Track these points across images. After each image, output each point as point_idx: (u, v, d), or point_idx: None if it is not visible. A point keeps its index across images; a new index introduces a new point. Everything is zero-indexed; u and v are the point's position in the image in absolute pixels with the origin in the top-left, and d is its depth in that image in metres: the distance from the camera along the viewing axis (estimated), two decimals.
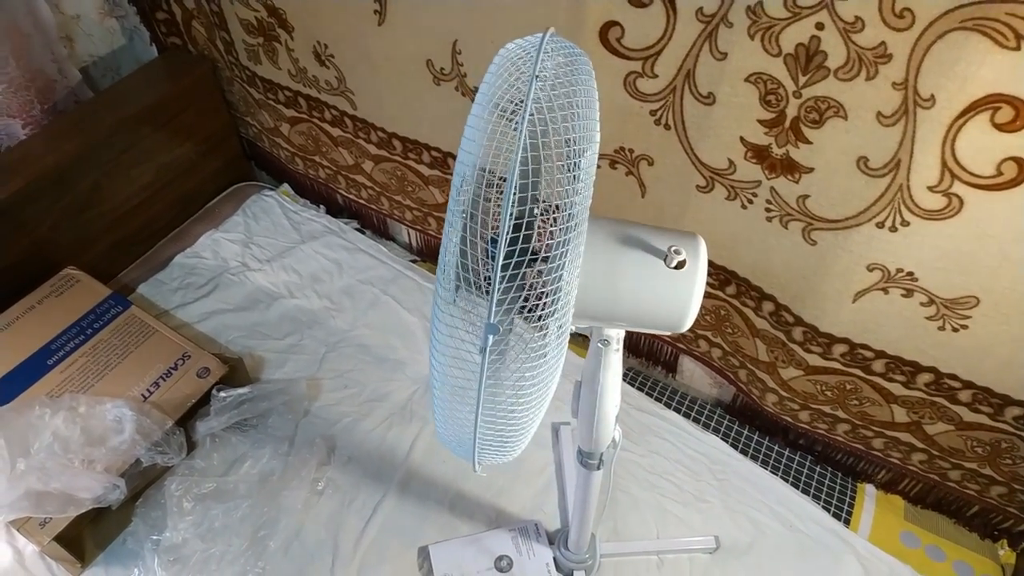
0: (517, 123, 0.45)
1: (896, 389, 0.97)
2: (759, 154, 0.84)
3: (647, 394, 1.21)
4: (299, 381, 1.15)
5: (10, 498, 0.88)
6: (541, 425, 1.13)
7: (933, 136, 0.70)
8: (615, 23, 0.82)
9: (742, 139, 0.84)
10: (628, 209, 1.02)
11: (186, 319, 1.25)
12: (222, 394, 1.05)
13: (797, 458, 1.16)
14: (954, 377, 0.90)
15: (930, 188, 0.74)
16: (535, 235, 0.53)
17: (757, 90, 0.78)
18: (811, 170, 0.81)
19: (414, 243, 1.45)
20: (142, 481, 1.00)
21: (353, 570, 0.97)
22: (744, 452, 1.14)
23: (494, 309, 0.44)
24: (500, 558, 0.98)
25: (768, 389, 1.10)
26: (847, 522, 1.06)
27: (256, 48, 1.26)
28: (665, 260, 0.53)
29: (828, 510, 1.07)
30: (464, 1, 0.93)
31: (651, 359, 1.27)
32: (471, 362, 0.46)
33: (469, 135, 0.48)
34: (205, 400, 1.06)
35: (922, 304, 0.85)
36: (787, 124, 0.79)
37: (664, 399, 1.22)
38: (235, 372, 1.12)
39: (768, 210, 0.89)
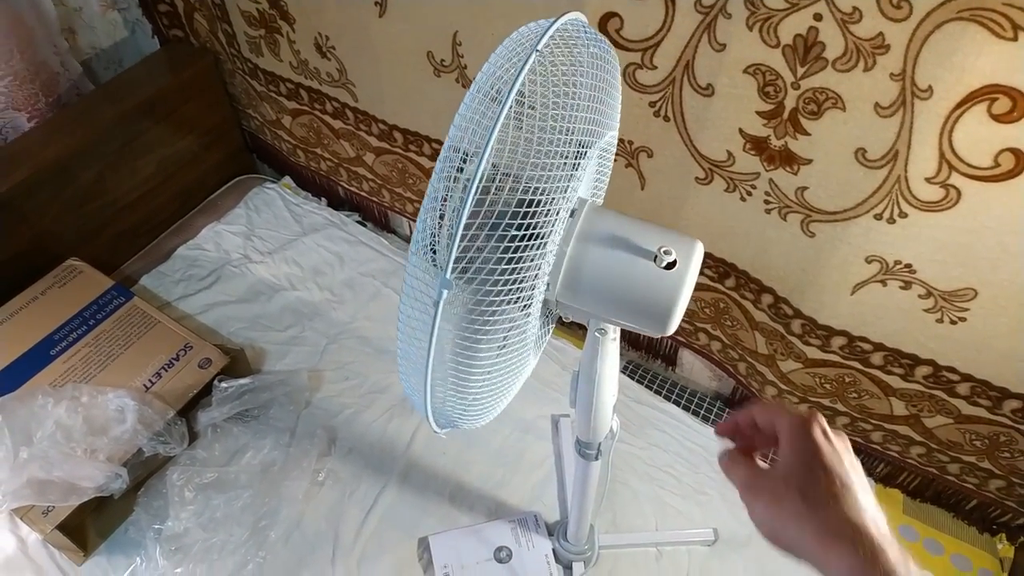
0: (500, 97, 0.45)
1: (894, 382, 0.97)
2: (758, 146, 0.84)
3: (647, 387, 1.22)
4: (300, 372, 1.15)
5: (13, 486, 0.89)
6: (540, 417, 1.14)
7: (931, 127, 0.70)
8: (614, 14, 0.83)
9: (741, 131, 0.84)
10: (627, 201, 1.02)
11: (188, 310, 1.25)
12: (224, 385, 1.06)
13: None
14: (952, 370, 0.90)
15: (928, 179, 0.74)
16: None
17: (756, 81, 0.78)
18: (809, 162, 0.81)
19: None
20: (144, 471, 1.00)
21: (353, 560, 0.97)
22: None
23: (451, 265, 0.44)
24: (499, 549, 0.98)
25: (767, 382, 1.10)
26: None
27: (258, 40, 1.26)
28: (655, 260, 0.53)
29: None
30: None
31: (651, 352, 1.27)
32: (427, 313, 0.47)
33: (461, 110, 0.49)
34: (207, 391, 1.07)
35: (920, 296, 0.85)
36: (785, 115, 0.79)
37: (664, 392, 1.23)
38: (237, 363, 1.12)
39: (767, 202, 0.89)
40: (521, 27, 0.51)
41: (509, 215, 0.52)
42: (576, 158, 0.54)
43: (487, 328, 0.53)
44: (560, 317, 0.65)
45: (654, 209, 1.00)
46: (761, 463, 0.50)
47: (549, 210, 0.52)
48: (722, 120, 0.84)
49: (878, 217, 0.80)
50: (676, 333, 1.19)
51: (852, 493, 0.42)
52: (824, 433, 0.45)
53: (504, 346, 0.55)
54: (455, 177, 0.47)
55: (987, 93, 0.65)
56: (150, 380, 1.06)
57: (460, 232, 0.44)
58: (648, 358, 1.29)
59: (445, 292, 0.45)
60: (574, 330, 1.27)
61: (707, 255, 0.99)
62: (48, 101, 1.27)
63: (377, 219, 1.50)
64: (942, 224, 0.77)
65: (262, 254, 1.36)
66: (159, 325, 1.14)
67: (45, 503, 0.92)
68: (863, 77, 0.71)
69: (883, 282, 0.86)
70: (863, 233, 0.82)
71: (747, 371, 1.14)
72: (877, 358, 0.96)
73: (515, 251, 0.50)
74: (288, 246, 1.37)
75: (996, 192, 0.71)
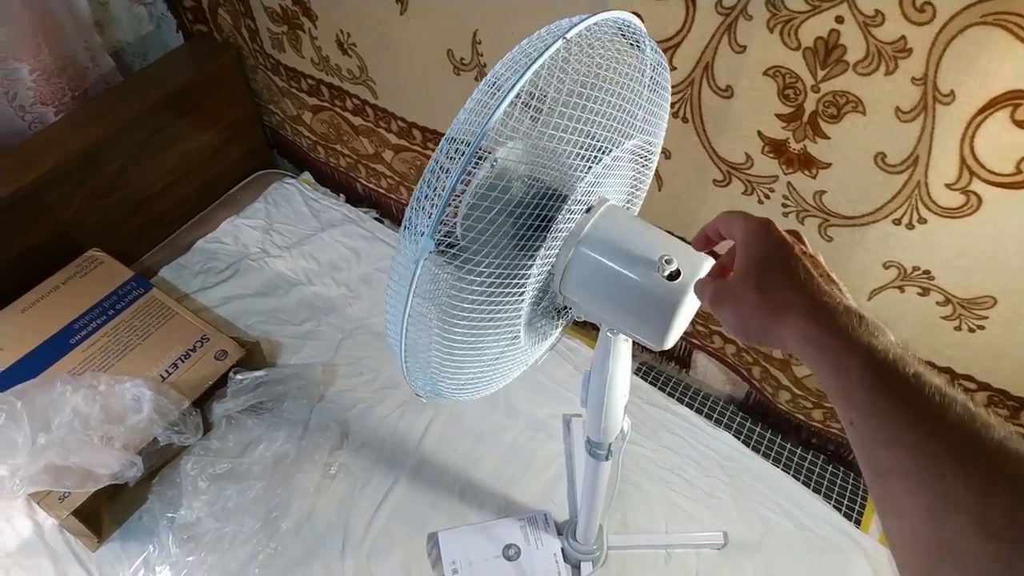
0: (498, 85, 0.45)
1: None
2: (777, 148, 0.84)
3: (660, 389, 1.21)
4: (315, 366, 1.16)
5: (31, 471, 0.91)
6: (552, 416, 1.14)
7: (952, 132, 0.69)
8: (635, 14, 0.82)
9: (760, 133, 0.84)
10: (645, 202, 1.01)
11: (206, 303, 1.27)
12: (239, 377, 1.07)
13: (809, 456, 1.15)
14: (970, 378, 0.89)
15: (948, 185, 0.73)
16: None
17: (776, 84, 0.78)
18: (828, 165, 0.81)
19: None
20: (159, 460, 1.02)
21: (363, 554, 0.98)
22: (756, 449, 1.13)
23: (435, 225, 0.45)
24: (508, 547, 0.99)
25: (781, 387, 1.10)
26: (857, 522, 1.05)
27: (280, 36, 1.27)
28: (657, 269, 0.53)
29: (839, 510, 1.06)
30: None
31: (664, 354, 1.27)
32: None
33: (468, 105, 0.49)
34: (222, 382, 1.08)
35: (938, 303, 0.84)
36: (805, 118, 0.79)
37: (677, 395, 1.22)
38: (252, 356, 1.13)
39: (784, 205, 0.89)
40: (575, 17, 0.50)
41: (519, 200, 0.52)
42: (590, 159, 0.54)
43: (473, 299, 0.53)
44: (575, 317, 0.65)
45: (671, 211, 1.00)
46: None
47: (556, 203, 0.52)
48: (741, 122, 0.84)
49: (897, 222, 0.79)
50: (690, 335, 1.19)
51: (801, 276, 0.43)
52: (777, 232, 0.46)
53: (493, 319, 0.55)
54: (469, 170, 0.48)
55: (1010, 98, 0.65)
56: (167, 371, 1.07)
57: (452, 185, 0.44)
58: (661, 360, 1.28)
59: (427, 251, 0.46)
60: (588, 330, 1.27)
61: None
62: (74, 95, 1.29)
63: (395, 216, 1.51)
64: (962, 231, 0.76)
65: (280, 248, 1.37)
66: (177, 316, 1.15)
67: (61, 489, 0.93)
68: (884, 81, 0.70)
69: (901, 288, 0.86)
70: (881, 238, 0.82)
71: (761, 375, 1.13)
72: None
73: (521, 229, 0.50)
74: (306, 241, 1.38)
75: (1018, 199, 0.70)
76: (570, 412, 1.14)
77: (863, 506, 1.08)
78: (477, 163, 0.51)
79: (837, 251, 0.87)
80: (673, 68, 0.84)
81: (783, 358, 1.06)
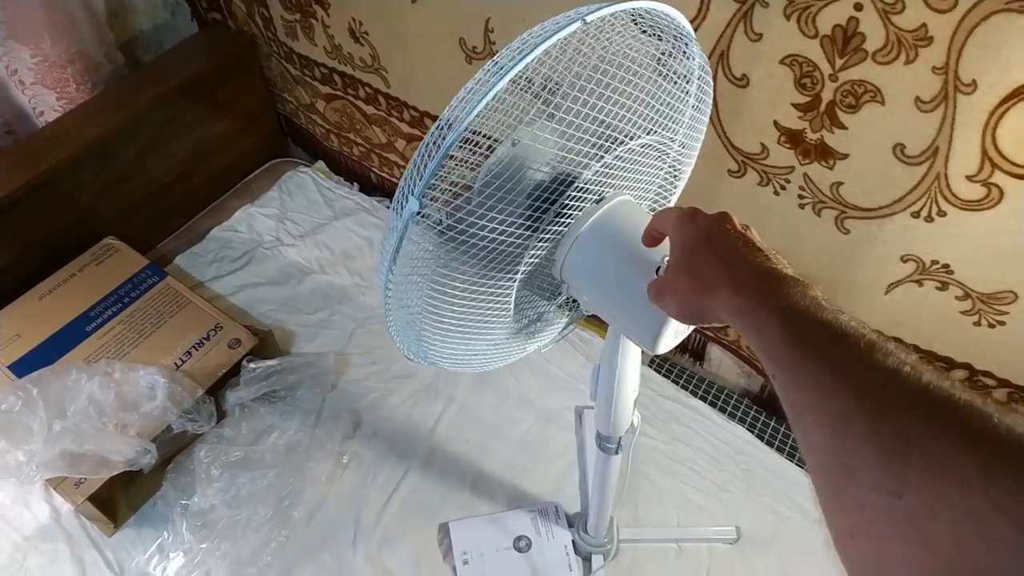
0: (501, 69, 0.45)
1: None
2: (793, 139, 0.82)
3: (673, 382, 1.20)
4: (327, 355, 1.16)
5: (46, 457, 0.92)
6: (565, 408, 1.13)
7: (973, 123, 0.67)
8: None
9: (776, 123, 0.82)
10: None
11: (220, 291, 1.27)
12: (252, 365, 1.07)
13: None
14: (989, 375, 0.88)
15: (969, 177, 0.71)
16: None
17: (792, 73, 0.77)
18: (846, 156, 0.79)
19: None
20: (173, 447, 1.03)
21: (374, 543, 0.98)
22: (770, 443, 1.12)
23: (423, 184, 0.46)
24: (519, 538, 0.99)
25: None
26: None
27: (293, 24, 1.27)
28: (658, 271, 0.52)
29: None
30: None
31: (678, 346, 1.25)
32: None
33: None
34: (235, 370, 1.09)
35: (957, 298, 0.82)
36: (822, 108, 0.77)
37: (691, 387, 1.21)
38: (265, 344, 1.14)
39: (801, 197, 0.87)
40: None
41: (538, 183, 0.53)
42: (601, 149, 0.53)
43: (464, 269, 0.53)
44: (586, 310, 0.65)
45: (684, 201, 0.98)
46: None
47: (558, 187, 0.52)
48: (756, 112, 0.83)
49: (916, 215, 0.78)
50: (705, 327, 1.18)
51: (725, 254, 0.44)
52: (702, 217, 0.48)
53: (483, 292, 0.55)
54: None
55: None
56: (181, 359, 1.08)
57: (438, 157, 0.45)
58: (675, 352, 1.27)
59: (414, 213, 0.47)
60: (601, 322, 1.26)
61: None
62: (79, 88, 1.27)
63: None
64: (983, 224, 0.74)
65: (294, 237, 1.37)
66: (191, 305, 1.16)
67: (77, 475, 0.94)
68: (904, 70, 0.69)
69: (919, 282, 0.84)
70: (899, 231, 0.80)
71: None
72: None
73: (529, 210, 0.51)
74: (319, 230, 1.38)
75: None
76: (582, 404, 1.13)
77: None
78: (497, 142, 0.51)
79: (854, 244, 0.86)
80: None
81: None
